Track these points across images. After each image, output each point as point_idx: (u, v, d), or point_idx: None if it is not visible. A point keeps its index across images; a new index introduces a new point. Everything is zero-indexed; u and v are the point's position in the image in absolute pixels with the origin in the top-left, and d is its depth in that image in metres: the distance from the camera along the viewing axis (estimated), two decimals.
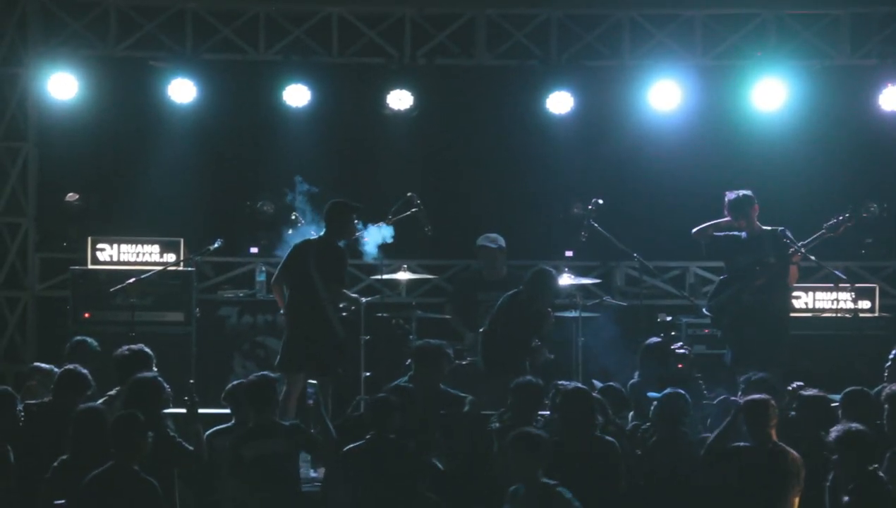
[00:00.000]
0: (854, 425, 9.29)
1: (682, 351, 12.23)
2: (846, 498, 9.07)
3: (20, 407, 10.03)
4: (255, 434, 10.08)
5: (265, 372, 10.54)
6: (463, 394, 11.50)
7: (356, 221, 12.60)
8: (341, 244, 12.40)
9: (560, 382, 10.70)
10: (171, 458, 9.69)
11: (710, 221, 13.25)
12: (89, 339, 11.97)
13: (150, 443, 9.12)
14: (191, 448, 9.82)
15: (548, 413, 10.76)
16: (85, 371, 10.59)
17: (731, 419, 9.99)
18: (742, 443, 9.83)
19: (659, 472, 10.16)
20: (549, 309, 13.03)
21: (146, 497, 8.90)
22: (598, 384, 11.29)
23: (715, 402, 10.48)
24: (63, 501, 9.12)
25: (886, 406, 9.76)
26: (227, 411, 11.04)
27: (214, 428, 10.63)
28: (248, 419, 10.31)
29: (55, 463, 9.38)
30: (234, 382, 10.94)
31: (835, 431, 9.24)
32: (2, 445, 9.54)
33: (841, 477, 9.24)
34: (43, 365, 11.44)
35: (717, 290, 13.31)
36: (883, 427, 9.75)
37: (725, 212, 13.12)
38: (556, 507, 9.08)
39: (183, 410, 10.12)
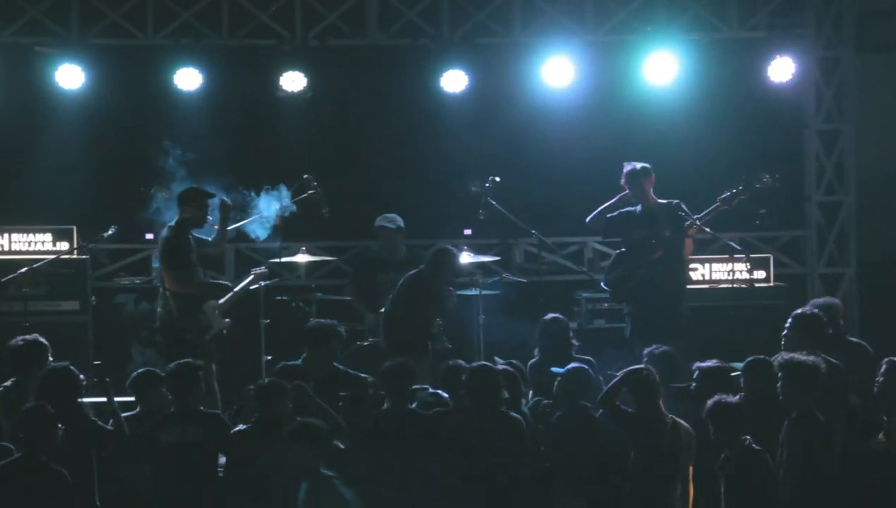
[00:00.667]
0: (723, 396, 9.45)
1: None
2: (722, 470, 9.27)
3: None
4: (174, 421, 10.00)
5: (188, 359, 10.44)
6: (362, 374, 11.48)
7: (208, 209, 12.62)
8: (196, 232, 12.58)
9: (458, 361, 10.73)
10: (92, 441, 9.67)
11: (600, 206, 13.33)
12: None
13: (59, 434, 9.05)
14: (110, 428, 9.77)
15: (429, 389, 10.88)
16: None
17: (616, 382, 10.10)
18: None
19: (563, 447, 10.20)
20: (451, 288, 13.05)
21: (55, 487, 8.80)
22: (500, 361, 11.31)
23: (619, 375, 10.52)
24: None
25: (781, 373, 9.89)
26: (131, 399, 10.89)
27: (123, 415, 10.43)
28: (166, 404, 10.24)
29: None
30: (140, 370, 10.78)
31: (710, 402, 9.41)
32: None
33: (715, 449, 9.43)
34: None
35: (614, 264, 13.42)
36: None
37: (622, 183, 13.21)
38: (333, 498, 9.18)
39: (102, 399, 10.10)
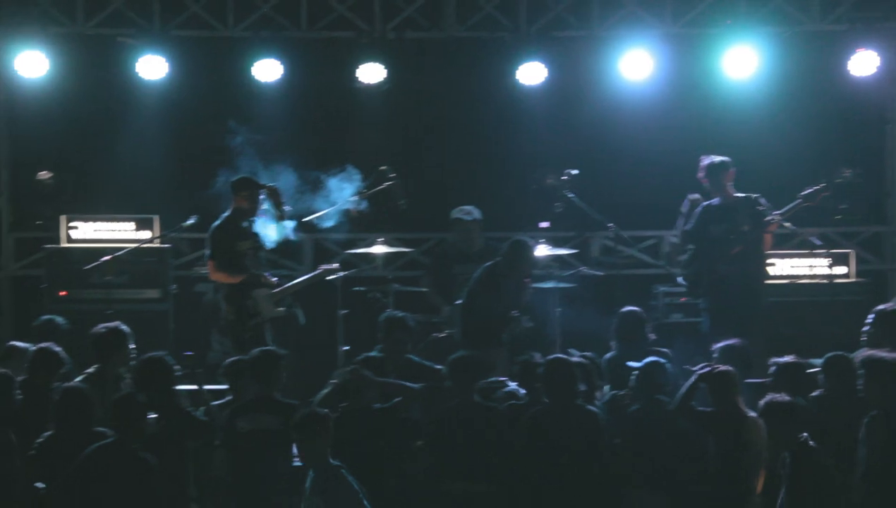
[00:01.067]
0: (778, 395, 9.37)
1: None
2: (783, 469, 9.20)
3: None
4: (252, 408, 10.09)
5: (270, 348, 10.51)
6: (437, 366, 11.52)
7: (261, 199, 12.78)
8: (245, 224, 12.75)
9: (533, 354, 10.74)
10: (186, 431, 9.82)
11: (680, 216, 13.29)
12: (57, 318, 11.93)
13: (150, 423, 9.28)
14: (204, 419, 9.96)
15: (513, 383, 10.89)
16: (58, 349, 10.58)
17: (690, 385, 10.06)
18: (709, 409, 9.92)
19: (638, 441, 10.18)
20: (527, 280, 13.04)
21: (142, 474, 8.93)
22: (575, 353, 11.29)
23: (694, 370, 10.48)
24: (42, 484, 9.15)
25: (863, 371, 9.80)
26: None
27: (214, 402, 10.57)
28: (247, 392, 10.33)
29: (39, 441, 9.37)
30: (232, 359, 10.88)
31: (763, 401, 9.36)
32: (3, 427, 9.47)
33: (772, 447, 9.38)
34: (19, 343, 11.38)
35: (692, 259, 13.34)
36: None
37: (700, 176, 13.14)
38: (340, 488, 9.11)
39: (193, 387, 10.25)
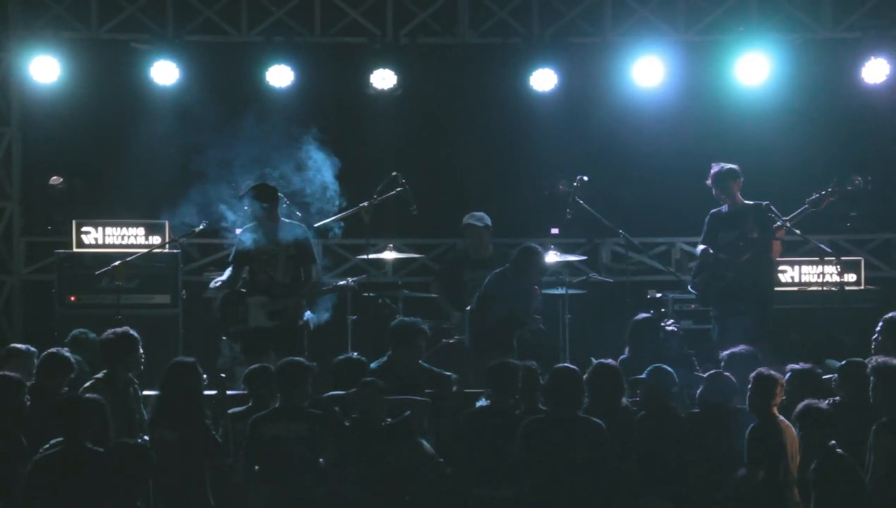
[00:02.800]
0: (816, 401, 9.33)
1: (671, 328, 12.23)
2: (812, 477, 9.15)
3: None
4: (277, 416, 10.07)
5: (298, 358, 10.53)
6: (446, 373, 11.51)
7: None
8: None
9: (531, 363, 10.72)
10: (202, 450, 9.85)
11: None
12: (90, 334, 11.91)
13: (98, 422, 9.30)
14: (220, 440, 9.97)
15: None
16: (67, 353, 10.59)
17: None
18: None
19: (647, 447, 10.17)
20: (537, 286, 13.03)
21: (97, 467, 8.96)
22: (594, 360, 11.24)
23: (705, 377, 10.46)
24: None
25: (873, 378, 9.78)
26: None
27: (233, 410, 10.53)
28: (273, 400, 10.32)
29: (47, 448, 9.38)
30: (253, 367, 10.87)
31: (799, 407, 9.31)
32: (14, 430, 9.48)
33: (805, 454, 9.33)
34: (20, 345, 11.39)
35: (702, 266, 13.31)
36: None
37: (709, 183, 13.13)
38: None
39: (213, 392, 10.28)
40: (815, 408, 9.29)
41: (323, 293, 13.02)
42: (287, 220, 12.91)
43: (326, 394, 10.53)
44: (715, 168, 13.10)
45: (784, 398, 10.03)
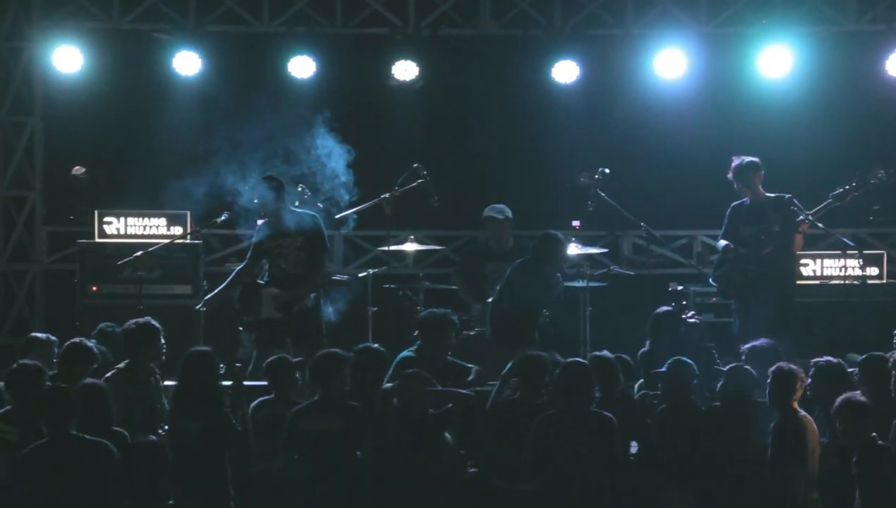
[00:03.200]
0: (855, 394, 9.29)
1: (693, 320, 12.19)
2: (855, 471, 9.09)
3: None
4: (315, 408, 10.07)
5: (334, 349, 10.56)
6: (469, 365, 11.50)
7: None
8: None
9: (554, 353, 10.69)
10: (223, 439, 9.87)
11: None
12: (117, 328, 11.91)
13: (192, 425, 9.50)
14: (240, 429, 9.97)
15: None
16: (90, 343, 10.62)
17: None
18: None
19: (668, 440, 10.15)
20: (559, 275, 12.99)
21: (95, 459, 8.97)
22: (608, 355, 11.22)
23: (725, 370, 10.44)
24: None
25: (895, 372, 9.76)
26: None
27: (258, 400, 10.55)
28: (293, 390, 10.38)
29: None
30: (274, 357, 10.88)
31: (839, 400, 9.24)
32: (35, 419, 9.50)
33: (844, 445, 9.25)
34: (40, 335, 11.42)
35: (723, 259, 13.28)
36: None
37: (730, 177, 13.09)
38: None
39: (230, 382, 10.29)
40: (854, 401, 9.19)
41: (335, 284, 13.00)
42: (297, 210, 12.84)
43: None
44: (736, 161, 13.07)
45: (809, 392, 10.03)
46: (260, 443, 10.24)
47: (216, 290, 12.80)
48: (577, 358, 10.35)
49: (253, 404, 10.46)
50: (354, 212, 13.61)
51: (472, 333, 13.41)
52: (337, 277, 13.09)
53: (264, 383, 10.68)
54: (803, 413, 9.73)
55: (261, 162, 14.27)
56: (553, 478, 9.65)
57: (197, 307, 12.82)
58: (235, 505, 10.02)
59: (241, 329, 12.75)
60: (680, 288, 14.40)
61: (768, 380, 9.83)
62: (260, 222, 12.96)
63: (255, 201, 12.74)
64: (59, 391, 9.22)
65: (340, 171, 12.94)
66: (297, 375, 10.63)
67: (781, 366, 9.85)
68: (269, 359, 10.82)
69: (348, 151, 12.96)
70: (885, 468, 9.06)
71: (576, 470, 9.58)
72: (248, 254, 12.89)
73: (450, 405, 10.12)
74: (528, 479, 9.79)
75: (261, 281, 12.68)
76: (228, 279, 12.83)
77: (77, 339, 10.64)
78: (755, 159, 13.04)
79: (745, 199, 13.10)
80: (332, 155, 13.02)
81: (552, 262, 12.87)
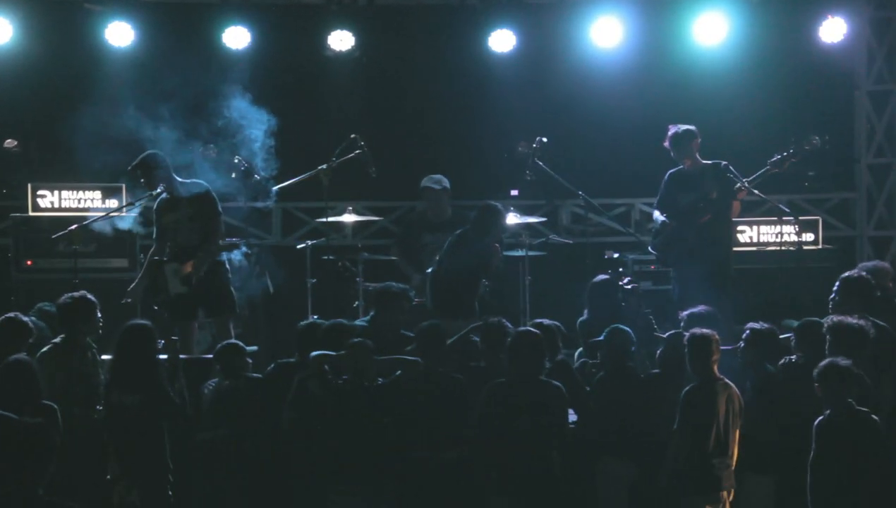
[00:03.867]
0: (835, 359, 9.31)
1: (629, 286, 12.23)
2: (817, 430, 9.15)
3: None
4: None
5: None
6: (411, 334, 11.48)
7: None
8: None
9: (503, 320, 10.66)
10: (162, 411, 9.81)
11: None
12: (46, 305, 11.81)
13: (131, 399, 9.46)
14: (178, 401, 9.90)
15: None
16: (26, 318, 10.48)
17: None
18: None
19: (607, 407, 10.19)
20: (497, 245, 13.00)
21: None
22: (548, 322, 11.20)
23: (665, 337, 10.48)
24: None
25: (829, 337, 9.83)
26: None
27: (281, 361, 10.62)
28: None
29: None
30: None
31: (819, 366, 9.26)
32: None
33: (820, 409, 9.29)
34: None
35: (662, 227, 13.31)
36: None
37: (666, 145, 13.12)
38: None
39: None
40: (835, 365, 9.23)
41: (226, 249, 12.94)
42: (185, 180, 12.76)
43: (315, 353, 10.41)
44: (672, 129, 13.10)
45: (741, 358, 10.10)
46: (210, 414, 10.30)
47: (136, 280, 12.71)
48: (528, 327, 10.34)
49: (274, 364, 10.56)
50: (292, 183, 13.55)
51: (412, 304, 13.38)
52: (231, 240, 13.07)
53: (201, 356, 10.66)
54: (726, 380, 9.75)
55: (187, 133, 14.17)
56: (500, 446, 9.64)
57: (123, 300, 12.67)
58: (174, 478, 9.97)
59: (155, 308, 12.59)
60: (616, 255, 14.45)
61: (685, 349, 9.87)
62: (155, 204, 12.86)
63: (142, 181, 12.65)
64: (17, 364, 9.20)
65: (257, 138, 12.88)
66: (249, 360, 10.70)
67: (695, 332, 9.88)
68: (219, 347, 10.80)
69: (268, 120, 12.88)
70: (860, 432, 9.09)
71: (524, 438, 9.57)
72: (154, 237, 12.79)
73: (398, 372, 10.11)
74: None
75: (164, 259, 12.60)
76: (144, 266, 12.74)
77: (11, 314, 10.49)
78: (692, 127, 13.07)
79: (681, 166, 13.14)
80: (251, 122, 12.95)
81: (491, 233, 12.87)
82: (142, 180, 12.71)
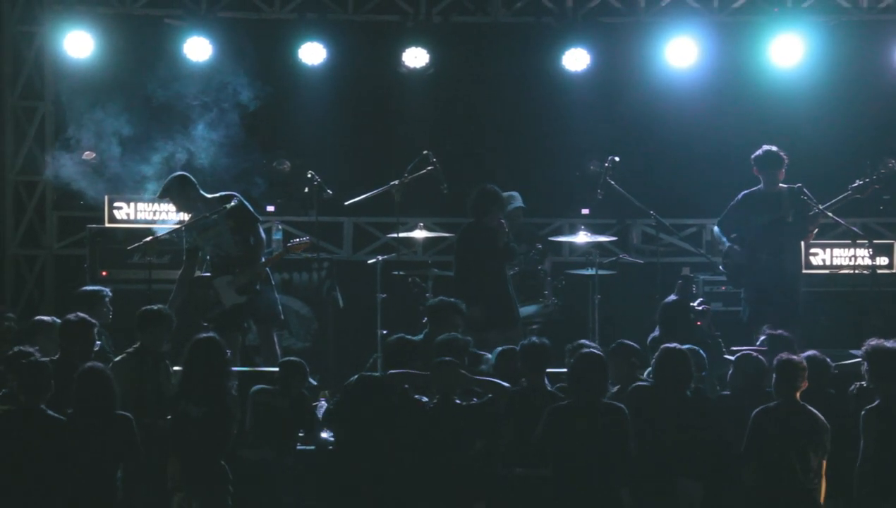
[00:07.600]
0: (883, 340, 9.36)
1: (701, 307, 12.16)
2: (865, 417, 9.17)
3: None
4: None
5: (402, 335, 10.71)
6: (480, 352, 11.49)
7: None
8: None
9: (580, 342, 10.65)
10: (225, 424, 9.90)
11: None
12: (104, 289, 11.96)
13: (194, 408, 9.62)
14: (237, 417, 10.04)
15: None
16: (84, 316, 10.57)
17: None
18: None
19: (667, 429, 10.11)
20: (502, 221, 12.92)
21: (53, 434, 9.06)
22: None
23: (733, 359, 10.42)
24: None
25: (865, 362, 9.65)
26: None
27: (259, 387, 10.72)
28: None
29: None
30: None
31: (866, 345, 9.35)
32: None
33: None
34: (45, 318, 11.40)
35: (729, 250, 13.21)
36: None
37: (753, 159, 12.99)
38: None
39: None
40: (884, 347, 9.27)
41: (285, 253, 13.13)
42: (213, 195, 12.89)
43: (391, 372, 10.44)
44: (766, 147, 12.95)
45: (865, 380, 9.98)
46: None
47: (171, 299, 12.72)
48: (592, 349, 10.20)
49: (254, 388, 10.57)
50: (364, 198, 13.64)
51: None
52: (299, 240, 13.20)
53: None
54: (810, 409, 9.66)
55: (271, 148, 14.28)
56: (567, 469, 9.60)
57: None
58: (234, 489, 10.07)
59: (205, 324, 12.66)
60: (687, 270, 14.38)
61: (773, 373, 9.79)
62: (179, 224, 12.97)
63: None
64: (33, 365, 9.29)
65: None
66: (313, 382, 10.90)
67: (783, 357, 9.80)
68: (284, 360, 10.92)
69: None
70: None
71: (589, 461, 9.52)
72: (184, 258, 12.93)
73: (489, 395, 10.08)
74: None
75: (205, 275, 12.71)
76: (176, 287, 12.81)
77: (71, 315, 10.53)
78: (784, 155, 12.96)
79: (759, 187, 13.04)
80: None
81: (490, 213, 12.80)
82: (177, 202, 12.85)
